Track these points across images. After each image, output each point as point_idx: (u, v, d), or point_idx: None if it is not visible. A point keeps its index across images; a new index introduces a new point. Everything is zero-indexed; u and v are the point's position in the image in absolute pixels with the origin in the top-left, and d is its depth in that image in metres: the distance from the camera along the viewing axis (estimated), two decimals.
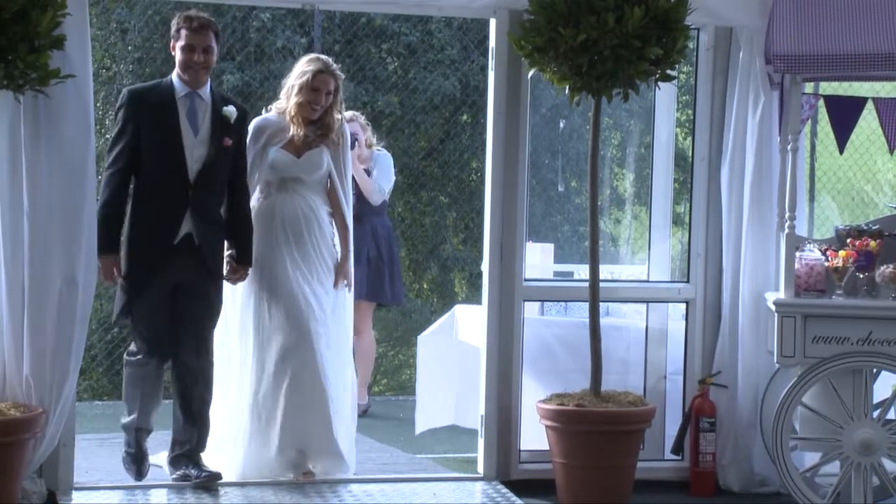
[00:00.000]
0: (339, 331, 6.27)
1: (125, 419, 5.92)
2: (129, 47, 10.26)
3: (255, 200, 6.12)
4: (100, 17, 6.88)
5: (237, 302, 6.18)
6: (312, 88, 6.05)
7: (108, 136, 6.50)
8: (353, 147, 6.93)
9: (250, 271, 6.03)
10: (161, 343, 5.83)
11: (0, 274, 5.57)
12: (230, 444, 6.11)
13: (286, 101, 6.16)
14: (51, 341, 5.62)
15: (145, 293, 5.77)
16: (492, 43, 6.32)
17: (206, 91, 5.81)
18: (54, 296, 5.62)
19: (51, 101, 5.52)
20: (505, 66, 6.24)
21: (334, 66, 6.19)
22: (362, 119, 7.91)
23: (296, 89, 6.10)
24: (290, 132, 6.14)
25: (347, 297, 6.36)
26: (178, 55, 5.76)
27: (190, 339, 5.85)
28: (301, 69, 6.15)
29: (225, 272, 5.96)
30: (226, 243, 5.96)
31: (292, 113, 6.13)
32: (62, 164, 5.63)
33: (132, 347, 5.94)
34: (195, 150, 5.71)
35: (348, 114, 7.37)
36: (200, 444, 5.92)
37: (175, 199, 5.70)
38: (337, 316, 6.25)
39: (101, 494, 5.86)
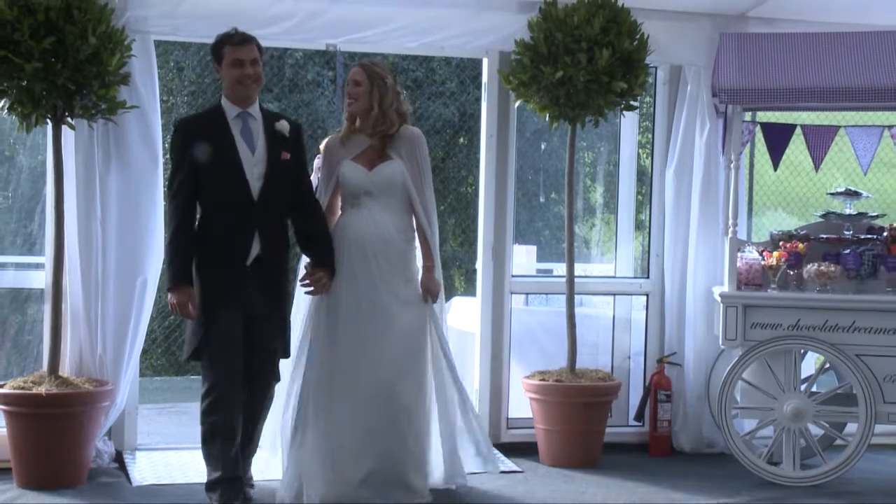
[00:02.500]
0: (412, 358, 5.05)
1: (210, 476, 4.82)
2: (185, 83, 10.30)
3: (334, 220, 5.18)
4: (160, 57, 6.87)
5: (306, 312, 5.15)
6: (346, 82, 5.18)
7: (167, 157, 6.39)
8: None
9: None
10: (238, 375, 4.78)
11: (76, 272, 5.58)
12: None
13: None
14: (119, 328, 5.63)
15: (221, 324, 4.74)
16: (484, 78, 6.34)
17: (255, 109, 4.91)
18: (127, 291, 5.63)
19: (120, 128, 5.55)
20: (496, 97, 6.25)
21: (372, 61, 5.19)
22: None
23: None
24: (363, 143, 5.12)
25: (427, 314, 5.12)
26: (227, 74, 4.85)
27: (262, 368, 4.88)
28: None
29: (301, 280, 5.06)
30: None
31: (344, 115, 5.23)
32: (132, 181, 5.64)
33: (204, 389, 4.78)
34: (254, 168, 4.78)
35: None
36: (248, 458, 5.01)
37: (242, 219, 4.75)
38: (409, 340, 5.05)
39: (159, 454, 5.89)
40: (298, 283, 5.12)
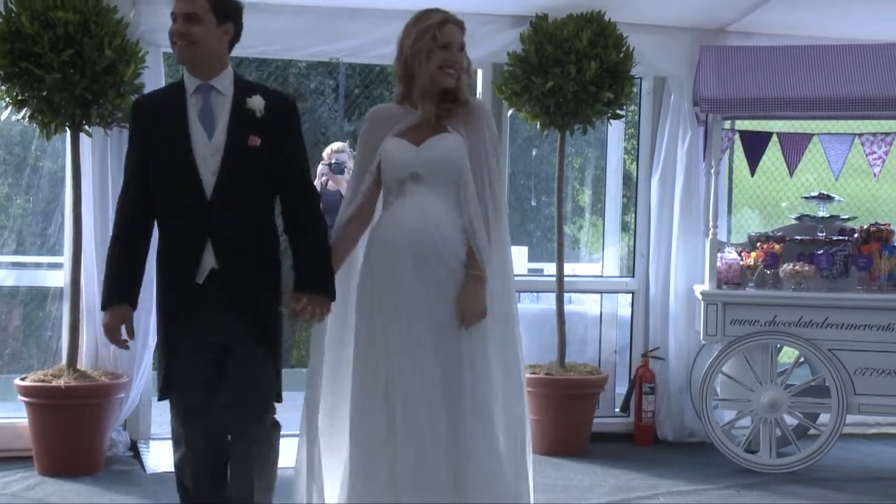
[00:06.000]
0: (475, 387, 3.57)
1: None
2: None
3: (377, 215, 3.74)
4: (172, 66, 6.89)
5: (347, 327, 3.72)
6: (442, 46, 3.54)
7: None
8: (343, 173, 6.83)
9: (344, 307, 3.65)
10: (205, 415, 3.54)
11: (93, 271, 5.58)
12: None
13: (403, 82, 3.64)
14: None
15: (180, 353, 3.50)
16: (479, 88, 6.31)
17: (224, 81, 3.51)
18: None
19: None
20: (489, 106, 6.16)
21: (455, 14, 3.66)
22: (348, 149, 7.43)
23: (423, 56, 3.54)
24: (414, 116, 3.62)
25: (462, 347, 3.57)
26: None
27: (239, 405, 3.52)
28: (419, 28, 3.58)
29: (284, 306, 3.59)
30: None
31: (425, 89, 3.57)
32: None
33: (173, 434, 3.66)
34: (210, 158, 3.44)
35: (337, 145, 7.08)
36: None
37: (192, 224, 3.45)
38: (471, 367, 3.57)
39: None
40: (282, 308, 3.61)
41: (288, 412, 3.80)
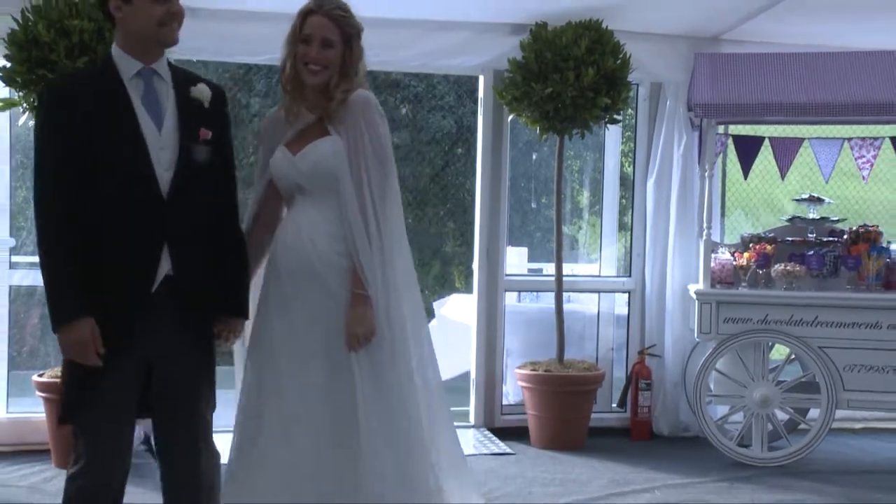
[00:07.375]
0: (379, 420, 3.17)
1: None
2: None
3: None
4: None
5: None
6: (301, 39, 3.21)
7: None
8: None
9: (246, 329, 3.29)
10: (118, 456, 3.04)
11: None
12: None
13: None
14: None
15: (108, 375, 2.96)
16: (480, 93, 6.36)
17: (163, 66, 3.03)
18: None
19: None
20: (490, 111, 6.28)
21: (342, 8, 3.24)
22: None
23: (285, 47, 3.26)
24: (305, 119, 3.27)
25: (355, 373, 3.16)
26: (139, 14, 2.95)
27: (182, 431, 3.09)
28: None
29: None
30: None
31: (283, 82, 3.26)
32: None
33: (70, 469, 3.05)
34: (162, 151, 2.98)
35: None
36: None
37: (146, 227, 2.95)
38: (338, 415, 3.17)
39: None
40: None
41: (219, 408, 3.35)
